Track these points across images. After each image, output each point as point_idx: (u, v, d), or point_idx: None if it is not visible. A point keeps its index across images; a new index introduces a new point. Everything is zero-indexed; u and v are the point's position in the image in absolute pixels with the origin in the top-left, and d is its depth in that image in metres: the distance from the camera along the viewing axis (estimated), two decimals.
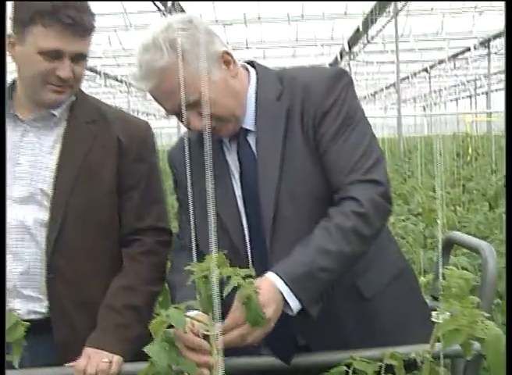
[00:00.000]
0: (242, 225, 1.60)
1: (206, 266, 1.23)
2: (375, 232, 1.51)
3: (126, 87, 19.64)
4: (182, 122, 1.56)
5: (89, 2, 1.74)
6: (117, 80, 19.37)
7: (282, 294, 1.39)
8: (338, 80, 1.57)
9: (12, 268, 1.69)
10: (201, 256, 1.29)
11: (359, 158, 1.52)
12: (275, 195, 1.54)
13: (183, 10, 12.05)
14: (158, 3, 10.56)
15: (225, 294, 1.20)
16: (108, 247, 1.78)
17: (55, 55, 1.66)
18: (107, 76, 18.33)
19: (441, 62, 18.43)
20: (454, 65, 20.04)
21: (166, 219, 1.85)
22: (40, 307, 1.71)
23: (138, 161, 1.78)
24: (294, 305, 1.40)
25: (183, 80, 1.37)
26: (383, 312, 1.63)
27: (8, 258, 1.69)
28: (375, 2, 11.98)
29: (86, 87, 21.58)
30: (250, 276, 1.27)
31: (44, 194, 1.71)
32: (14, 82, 1.80)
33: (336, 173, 1.52)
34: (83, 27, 1.68)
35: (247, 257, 1.59)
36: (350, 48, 16.01)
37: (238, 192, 1.61)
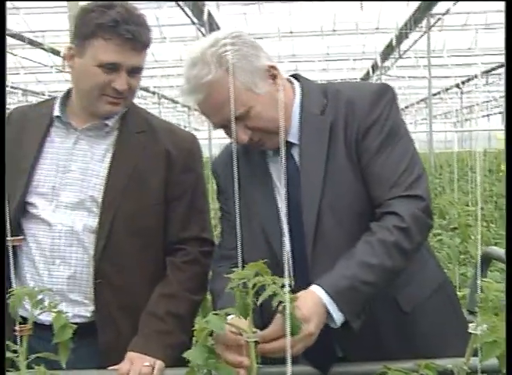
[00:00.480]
0: (283, 236, 1.61)
1: (243, 273, 1.25)
2: (416, 246, 1.53)
3: (158, 98, 19.82)
4: (228, 135, 1.59)
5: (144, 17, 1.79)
6: (149, 92, 19.54)
7: (325, 307, 1.40)
8: (382, 96, 1.61)
9: (60, 272, 1.75)
10: (243, 265, 1.32)
11: (401, 173, 1.54)
12: (317, 208, 1.57)
13: (216, 24, 12.17)
14: (191, 16, 10.66)
15: (259, 302, 1.22)
16: (154, 255, 1.83)
17: (112, 68, 1.73)
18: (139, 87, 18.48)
19: (473, 77, 18.27)
20: (487, 81, 19.84)
21: (210, 229, 1.89)
22: (86, 311, 1.77)
23: (185, 172, 1.84)
24: (338, 318, 1.42)
25: (226, 96, 1.43)
26: (422, 324, 1.65)
27: (57, 262, 1.74)
28: (407, 17, 11.94)
29: None
30: (288, 286, 1.26)
31: (94, 201, 1.77)
32: (69, 91, 1.88)
33: (378, 188, 1.55)
34: (141, 42, 1.75)
35: (288, 268, 1.60)
36: (381, 62, 15.97)
37: (280, 204, 1.63)
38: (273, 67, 1.59)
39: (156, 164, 1.81)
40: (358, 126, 1.57)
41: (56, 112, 1.83)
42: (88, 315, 1.77)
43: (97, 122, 1.82)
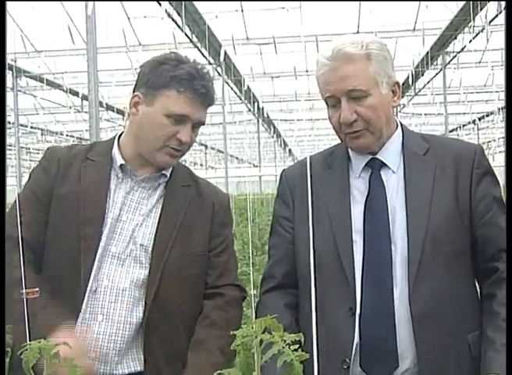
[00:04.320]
0: (353, 249, 1.66)
1: (248, 331, 1.16)
2: None
3: None
4: (333, 116, 1.69)
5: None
6: None
7: None
8: (484, 152, 1.77)
9: (102, 329, 1.74)
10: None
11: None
12: (422, 242, 1.63)
13: (234, 64, 12.32)
14: (208, 56, 10.80)
15: (262, 361, 1.15)
16: (197, 302, 1.85)
17: (180, 120, 1.77)
18: None
19: (490, 114, 18.25)
20: (503, 117, 19.80)
21: (239, 280, 1.96)
22: (137, 364, 1.77)
23: (223, 225, 1.94)
24: None
25: (358, 72, 1.62)
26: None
27: (99, 318, 1.74)
28: (423, 55, 12.02)
29: None
30: (297, 342, 1.15)
31: (143, 251, 1.78)
32: (121, 135, 1.90)
33: (493, 247, 1.66)
34: (209, 98, 1.81)
35: (355, 284, 1.64)
36: None
37: (357, 215, 1.69)
38: (398, 85, 1.73)
39: (201, 216, 1.88)
40: (471, 174, 1.69)
41: (120, 160, 1.84)
42: (138, 368, 1.77)
43: (153, 172, 1.85)
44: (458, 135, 24.19)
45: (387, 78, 1.67)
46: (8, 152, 22.14)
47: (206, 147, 25.74)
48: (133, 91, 1.83)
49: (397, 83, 1.72)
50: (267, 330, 1.16)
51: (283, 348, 1.09)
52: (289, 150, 28.33)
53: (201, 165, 30.11)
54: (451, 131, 20.48)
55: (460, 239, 1.66)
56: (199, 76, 1.77)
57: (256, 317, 1.73)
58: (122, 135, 1.90)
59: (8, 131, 16.57)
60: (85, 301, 1.73)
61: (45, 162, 1.85)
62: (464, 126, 20.96)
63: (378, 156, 1.73)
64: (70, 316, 1.70)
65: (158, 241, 1.78)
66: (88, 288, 1.73)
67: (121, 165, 1.83)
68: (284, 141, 25.89)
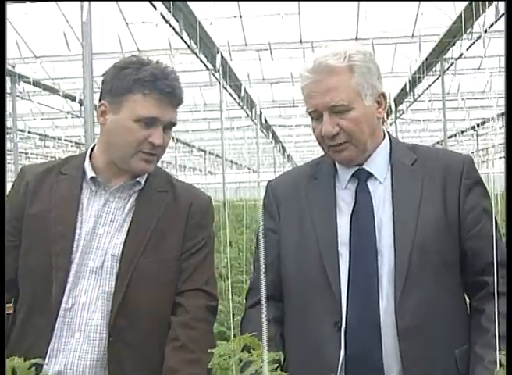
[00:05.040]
0: (339, 262, 1.63)
1: (226, 349, 1.13)
2: None
3: (174, 143, 19.97)
4: (316, 128, 1.66)
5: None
6: None
7: None
8: (473, 164, 1.74)
9: (79, 345, 1.70)
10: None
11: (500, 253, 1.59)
12: (409, 254, 1.59)
13: (231, 69, 12.31)
14: (205, 62, 10.79)
15: None
16: (169, 311, 1.78)
17: (150, 123, 1.72)
18: None
19: (488, 120, 18.24)
20: (502, 123, 19.80)
21: (214, 285, 1.86)
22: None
23: (198, 228, 1.85)
24: None
25: (340, 85, 1.59)
26: None
27: (76, 335, 1.70)
28: (421, 62, 12.01)
29: None
30: (277, 361, 1.13)
31: (115, 261, 1.74)
32: (93, 148, 1.85)
33: (483, 261, 1.64)
34: (177, 97, 1.76)
35: (341, 298, 1.61)
36: (396, 106, 16.01)
37: (343, 227, 1.66)
38: (384, 96, 1.70)
39: (176, 220, 1.82)
40: (460, 185, 1.66)
41: (90, 173, 1.79)
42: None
43: (128, 180, 1.80)
44: (457, 141, 24.21)
45: (371, 90, 1.65)
46: (7, 157, 22.08)
47: (205, 152, 25.73)
48: (99, 101, 1.79)
49: (383, 94, 1.69)
50: (246, 349, 1.13)
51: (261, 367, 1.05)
52: (288, 155, 28.31)
53: (200, 170, 30.10)
54: (450, 137, 20.48)
55: (448, 250, 1.63)
56: (163, 76, 1.72)
57: (241, 332, 1.71)
58: (95, 147, 1.85)
59: (6, 136, 16.57)
60: (60, 318, 1.69)
61: (16, 184, 1.82)
62: (463, 132, 20.94)
63: (364, 167, 1.70)
64: (42, 335, 1.67)
65: (127, 249, 1.73)
66: (63, 305, 1.69)
67: (91, 177, 1.79)
68: (283, 147, 25.86)
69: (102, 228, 1.76)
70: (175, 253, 1.79)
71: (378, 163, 1.71)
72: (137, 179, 1.81)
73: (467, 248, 1.65)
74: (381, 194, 1.68)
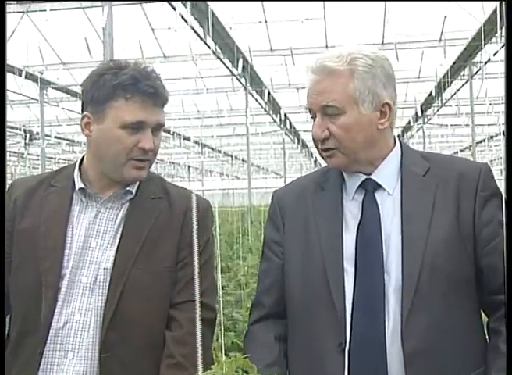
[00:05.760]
0: (344, 279, 1.55)
1: (215, 373, 1.09)
2: None
3: (200, 148, 20.03)
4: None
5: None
6: (190, 141, 19.76)
7: None
8: (491, 173, 1.63)
9: (71, 367, 1.64)
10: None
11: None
12: (418, 271, 1.50)
13: (257, 74, 12.29)
14: (230, 66, 10.79)
15: None
16: (163, 325, 1.70)
17: (137, 128, 1.65)
18: (181, 137, 18.75)
19: None
20: None
21: (212, 295, 1.77)
22: None
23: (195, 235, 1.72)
24: None
25: (336, 88, 1.54)
26: None
27: (69, 355, 1.64)
28: (449, 66, 11.86)
29: (161, 147, 22.19)
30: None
31: (108, 274, 1.66)
32: (82, 159, 1.79)
33: (500, 278, 1.48)
34: (161, 97, 1.69)
35: (345, 317, 1.53)
36: (423, 111, 15.83)
37: (348, 242, 1.58)
38: (389, 106, 1.60)
39: (170, 228, 1.73)
40: (475, 195, 1.57)
41: (79, 184, 1.73)
42: None
43: (120, 190, 1.74)
44: (487, 147, 23.87)
45: (371, 97, 1.56)
46: (34, 162, 22.42)
47: (231, 157, 25.75)
48: (81, 112, 1.72)
49: (387, 103, 1.59)
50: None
51: None
52: (315, 160, 28.19)
53: (227, 175, 30.15)
54: (479, 143, 20.20)
55: (461, 267, 1.53)
56: (143, 77, 1.65)
57: (244, 349, 1.66)
58: (84, 158, 1.79)
59: (34, 142, 16.78)
60: (51, 338, 1.63)
61: (6, 199, 1.74)
62: (492, 137, 20.62)
63: (372, 177, 1.61)
64: (33, 355, 1.61)
65: (118, 261, 1.66)
66: (54, 324, 1.63)
67: (80, 188, 1.73)
68: (310, 152, 25.77)
69: (95, 241, 1.70)
70: (169, 263, 1.71)
71: (387, 173, 1.62)
72: (128, 187, 1.73)
73: (483, 265, 1.54)
74: (389, 206, 1.59)
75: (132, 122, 1.64)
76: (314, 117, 1.60)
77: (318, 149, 1.63)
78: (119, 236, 1.70)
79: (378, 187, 1.61)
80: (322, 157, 1.64)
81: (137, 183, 1.76)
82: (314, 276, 1.58)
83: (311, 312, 1.57)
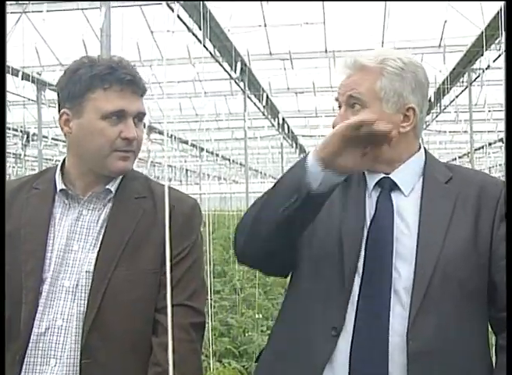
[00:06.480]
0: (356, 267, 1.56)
1: None
2: None
3: (198, 151, 20.00)
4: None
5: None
6: (188, 144, 19.74)
7: None
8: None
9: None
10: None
11: None
12: (430, 275, 1.49)
13: (255, 78, 12.27)
14: (228, 70, 10.76)
15: None
16: (148, 330, 1.64)
17: (118, 117, 1.61)
18: (180, 140, 18.72)
19: None
20: None
21: (200, 299, 1.71)
22: None
23: (181, 236, 1.69)
24: None
25: (363, 82, 1.58)
26: None
27: (51, 362, 1.59)
28: (448, 72, 11.84)
29: (159, 150, 22.18)
30: None
31: (90, 278, 1.61)
32: (64, 160, 1.74)
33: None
34: (140, 86, 1.66)
35: (349, 296, 1.54)
36: None
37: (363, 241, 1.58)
38: (413, 110, 1.60)
39: (154, 229, 1.67)
40: (496, 209, 1.57)
41: (60, 185, 1.69)
42: None
43: (99, 189, 1.69)
44: (485, 153, 23.88)
45: (397, 98, 1.58)
46: (31, 164, 22.37)
47: (229, 161, 25.72)
48: (59, 111, 1.68)
49: (412, 108, 1.59)
50: None
51: None
52: None
53: (225, 179, 30.12)
54: (477, 149, 20.19)
55: (474, 279, 1.52)
56: (120, 66, 1.63)
57: None
58: (66, 159, 1.74)
59: (31, 143, 16.72)
60: (32, 344, 1.58)
61: None
62: (490, 144, 20.62)
63: (390, 176, 1.62)
64: (14, 362, 1.56)
65: (100, 263, 1.61)
66: (35, 330, 1.58)
67: (61, 190, 1.68)
68: None
69: (77, 244, 1.65)
70: (153, 265, 1.65)
71: (406, 175, 1.63)
72: (107, 186, 1.69)
73: (497, 281, 1.52)
74: (405, 208, 1.59)
75: (112, 111, 1.61)
76: (339, 108, 1.63)
77: None
78: (101, 238, 1.65)
79: (395, 187, 1.62)
80: None
81: (118, 182, 1.71)
82: (329, 259, 1.59)
83: (316, 291, 1.58)
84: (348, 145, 1.42)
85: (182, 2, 7.39)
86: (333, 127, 1.58)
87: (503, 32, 8.88)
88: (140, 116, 1.67)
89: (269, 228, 1.50)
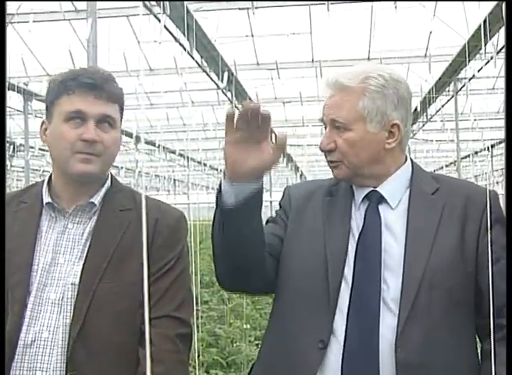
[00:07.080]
0: (341, 285, 1.58)
1: None
2: None
3: (186, 161, 19.96)
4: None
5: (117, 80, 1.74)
6: (175, 154, 19.70)
7: None
8: (499, 204, 1.64)
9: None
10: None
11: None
12: (419, 282, 1.52)
13: (243, 88, 12.28)
14: (215, 79, 10.77)
15: None
16: (134, 342, 1.64)
17: (78, 118, 1.63)
18: (167, 150, 18.68)
19: (504, 140, 18.04)
20: None
21: (187, 310, 1.72)
22: None
23: (166, 248, 1.70)
24: None
25: (345, 104, 1.59)
26: None
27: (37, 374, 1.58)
28: (434, 82, 11.92)
29: (147, 160, 22.13)
30: None
31: (75, 290, 1.62)
32: (51, 175, 1.76)
33: (499, 301, 1.48)
34: (106, 91, 1.66)
35: (335, 309, 1.55)
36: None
37: (350, 250, 1.60)
38: (397, 126, 1.62)
39: (140, 241, 1.67)
40: (481, 219, 1.60)
41: (46, 198, 1.71)
42: None
43: (83, 202, 1.71)
44: (471, 162, 24.02)
45: (380, 117, 1.60)
46: (18, 174, 22.23)
47: (217, 170, 25.71)
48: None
49: (396, 124, 1.62)
50: None
51: None
52: (301, 175, 28.23)
53: (213, 188, 30.07)
54: (463, 158, 20.30)
55: (461, 288, 1.54)
56: (85, 72, 1.67)
57: None
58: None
59: (18, 154, 16.63)
60: (18, 357, 1.58)
61: None
62: (476, 153, 20.75)
63: (378, 189, 1.64)
64: None
65: (85, 275, 1.62)
66: (21, 342, 1.58)
67: (47, 203, 1.70)
68: (296, 166, 25.79)
69: (63, 257, 1.66)
70: (138, 277, 1.65)
71: (393, 188, 1.66)
72: (91, 199, 1.71)
73: (483, 288, 1.54)
74: (393, 220, 1.61)
75: (71, 111, 1.64)
76: (325, 128, 1.66)
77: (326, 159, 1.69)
78: (86, 250, 1.66)
79: (383, 200, 1.64)
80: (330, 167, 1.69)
81: (101, 195, 1.73)
82: (313, 272, 1.60)
83: (301, 304, 1.59)
84: (242, 148, 1.43)
85: (168, 13, 7.39)
86: (320, 149, 1.64)
87: (490, 46, 8.97)
88: (106, 120, 1.68)
89: (226, 249, 1.54)
